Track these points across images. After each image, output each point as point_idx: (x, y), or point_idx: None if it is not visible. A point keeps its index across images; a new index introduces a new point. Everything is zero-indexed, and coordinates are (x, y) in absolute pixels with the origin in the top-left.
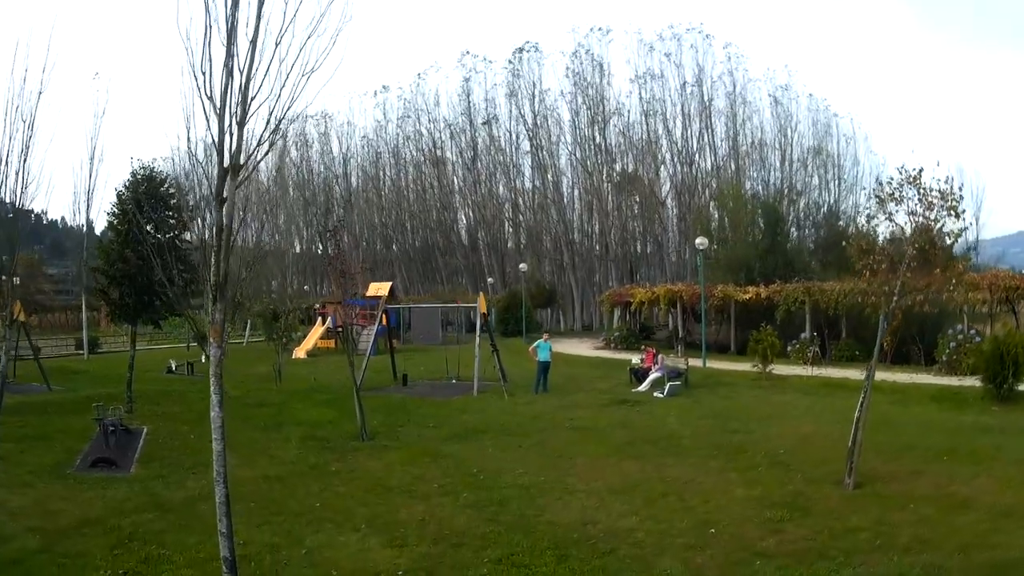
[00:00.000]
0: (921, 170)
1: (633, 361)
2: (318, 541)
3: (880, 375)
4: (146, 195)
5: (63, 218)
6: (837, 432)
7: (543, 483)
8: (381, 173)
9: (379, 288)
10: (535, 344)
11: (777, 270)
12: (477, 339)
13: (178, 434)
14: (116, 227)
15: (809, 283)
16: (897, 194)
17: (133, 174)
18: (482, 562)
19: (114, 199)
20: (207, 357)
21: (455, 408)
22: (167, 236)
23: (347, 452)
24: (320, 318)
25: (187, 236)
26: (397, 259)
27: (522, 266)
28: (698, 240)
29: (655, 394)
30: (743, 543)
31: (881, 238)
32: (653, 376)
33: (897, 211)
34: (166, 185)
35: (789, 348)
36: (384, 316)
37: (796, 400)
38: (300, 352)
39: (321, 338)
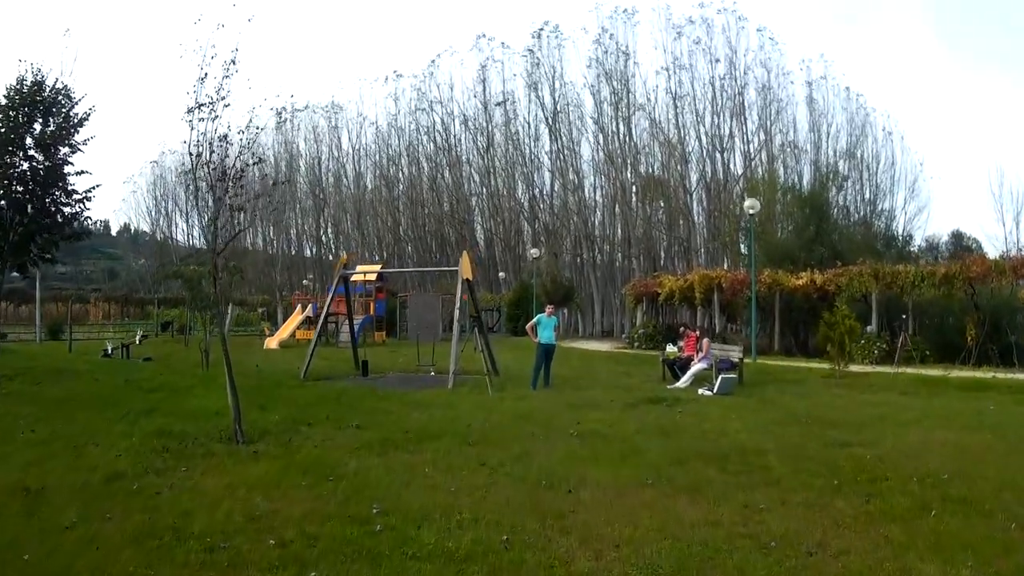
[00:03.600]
0: None
1: (668, 349)
2: None
3: (986, 375)
4: (31, 103)
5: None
6: (995, 442)
7: (499, 546)
8: (393, 167)
9: (366, 271)
10: (535, 319)
11: (824, 261)
12: (456, 313)
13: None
14: None
15: (878, 265)
16: None
17: (19, 79)
18: None
19: None
20: (140, 338)
21: (410, 403)
22: (51, 158)
23: (194, 458)
24: (299, 306)
25: (73, 160)
26: (411, 256)
27: (533, 251)
28: (747, 203)
29: (700, 391)
30: None
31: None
32: (697, 367)
33: None
34: (59, 94)
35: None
36: (371, 303)
37: (896, 401)
38: (272, 343)
39: (299, 327)
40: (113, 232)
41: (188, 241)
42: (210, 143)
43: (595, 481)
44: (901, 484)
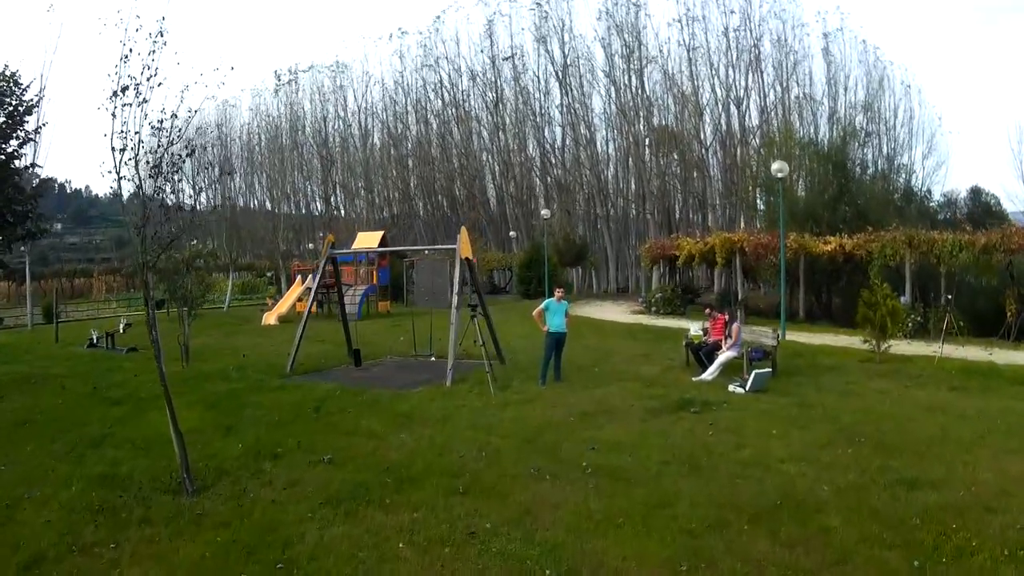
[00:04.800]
0: None
1: (691, 332)
2: None
3: None
4: None
5: (87, 187)
6: None
7: None
8: (401, 125)
9: (368, 239)
10: (543, 305)
11: (848, 221)
12: (454, 300)
13: None
14: None
15: (912, 231)
16: None
17: None
18: None
19: None
20: (124, 327)
21: (399, 415)
22: (2, 151)
23: (128, 527)
24: (299, 276)
25: (24, 152)
26: (420, 218)
27: (544, 212)
28: (775, 165)
29: (731, 388)
30: None
31: None
32: (726, 355)
33: None
34: (7, 82)
35: None
36: (374, 272)
37: (947, 401)
38: (271, 318)
39: (300, 299)
40: (124, 199)
41: (194, 203)
42: (137, 133)
43: (614, 567)
44: (993, 565)
